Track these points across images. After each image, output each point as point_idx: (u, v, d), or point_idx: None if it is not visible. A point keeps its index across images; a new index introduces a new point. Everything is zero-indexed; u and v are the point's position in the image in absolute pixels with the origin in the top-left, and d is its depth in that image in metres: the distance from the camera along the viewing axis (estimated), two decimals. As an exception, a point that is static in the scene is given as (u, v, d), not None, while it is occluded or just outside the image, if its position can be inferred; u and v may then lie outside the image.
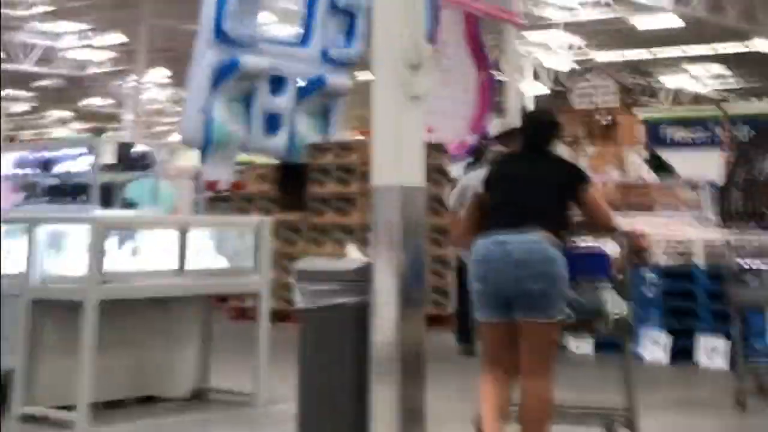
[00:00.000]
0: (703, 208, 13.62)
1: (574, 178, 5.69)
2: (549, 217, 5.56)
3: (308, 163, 13.42)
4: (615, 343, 6.44)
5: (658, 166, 19.73)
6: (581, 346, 10.22)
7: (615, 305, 5.91)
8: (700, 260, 10.00)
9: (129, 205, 12.43)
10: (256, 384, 7.64)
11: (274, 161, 14.50)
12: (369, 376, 6.00)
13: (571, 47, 30.48)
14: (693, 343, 9.69)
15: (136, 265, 7.34)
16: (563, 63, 30.53)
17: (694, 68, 33.64)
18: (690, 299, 9.94)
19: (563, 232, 5.58)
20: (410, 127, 6.29)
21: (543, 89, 30.87)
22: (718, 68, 33.54)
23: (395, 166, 6.21)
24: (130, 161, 13.55)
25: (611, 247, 6.55)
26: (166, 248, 7.46)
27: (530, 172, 5.72)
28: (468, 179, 9.68)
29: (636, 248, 10.34)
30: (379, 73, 6.42)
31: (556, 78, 31.78)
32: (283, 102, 14.10)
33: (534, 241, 5.43)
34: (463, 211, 6.62)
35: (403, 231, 6.10)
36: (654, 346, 9.83)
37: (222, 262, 7.94)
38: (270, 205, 13.82)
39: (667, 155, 22.10)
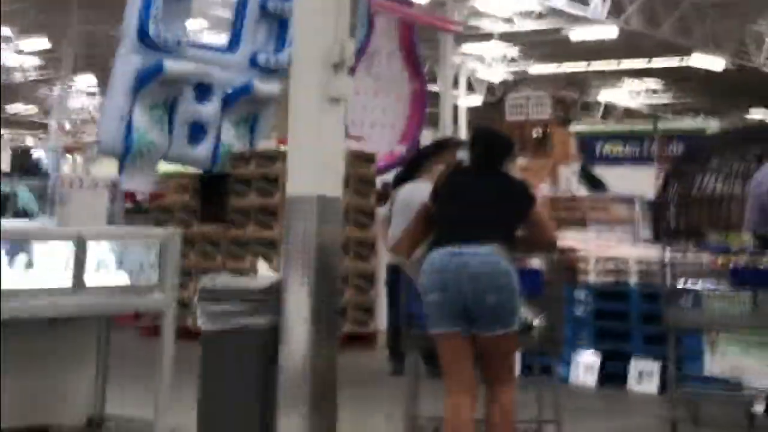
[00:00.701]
0: (636, 224, 13.35)
1: (524, 197, 5.82)
2: (501, 233, 5.63)
3: (229, 174, 12.89)
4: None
5: (590, 180, 19.50)
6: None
7: (530, 315, 6.02)
8: (633, 279, 9.56)
9: (23, 214, 11.83)
10: (157, 411, 7.07)
11: (196, 171, 13.95)
12: (276, 407, 5.50)
13: (506, 59, 30.24)
14: (625, 366, 9.27)
15: (27, 282, 6.76)
16: (497, 74, 30.27)
17: (629, 83, 33.57)
18: (623, 320, 9.50)
19: (512, 249, 5.66)
20: (329, 131, 5.86)
21: (477, 101, 30.55)
22: (652, 83, 33.51)
23: (312, 174, 5.77)
24: (27, 169, 13.01)
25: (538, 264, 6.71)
26: (61, 263, 6.88)
27: (483, 188, 5.79)
28: (410, 192, 9.13)
29: (568, 266, 9.96)
30: (297, 72, 5.97)
31: (491, 90, 31.54)
32: (209, 110, 13.69)
33: (488, 254, 5.49)
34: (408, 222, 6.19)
35: (317, 245, 5.64)
36: (584, 369, 9.42)
37: (123, 279, 7.37)
38: (190, 217, 13.23)
39: (600, 170, 21.94)
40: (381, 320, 11.90)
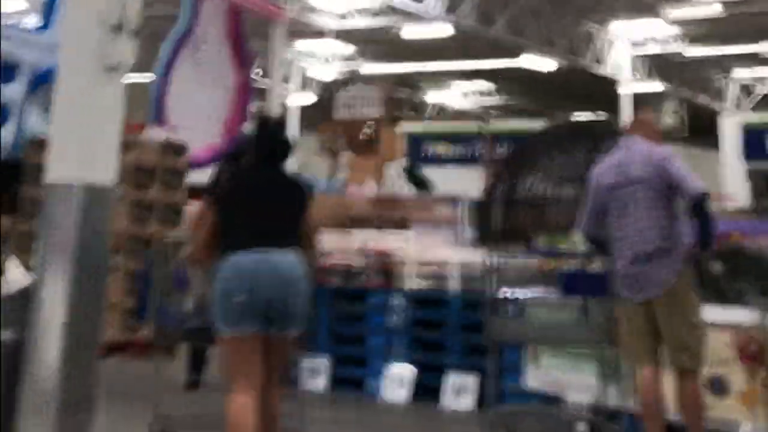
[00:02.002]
0: (460, 225, 12.88)
1: (306, 195, 5.86)
2: (295, 234, 5.73)
3: (22, 160, 11.81)
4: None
5: (416, 180, 19.14)
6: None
7: None
8: (454, 285, 8.89)
9: None
10: None
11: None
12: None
13: (340, 57, 29.73)
14: (440, 380, 8.50)
15: None
16: (330, 72, 29.71)
17: (460, 84, 33.42)
18: (440, 329, 8.76)
19: (305, 251, 5.76)
20: (104, 107, 5.02)
21: (310, 99, 29.93)
22: (483, 84, 33.43)
23: (77, 157, 4.93)
24: None
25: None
26: None
27: (273, 188, 5.77)
28: None
29: (383, 269, 9.34)
30: (66, 34, 5.12)
31: (324, 88, 30.95)
32: (13, 92, 12.87)
33: (293, 258, 5.61)
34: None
35: (80, 243, 4.82)
36: (396, 382, 8.72)
37: None
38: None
39: (428, 170, 21.60)
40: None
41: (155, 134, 12.18)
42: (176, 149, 12.23)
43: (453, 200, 13.61)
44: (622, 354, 6.06)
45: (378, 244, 9.65)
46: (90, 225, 4.83)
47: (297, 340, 5.77)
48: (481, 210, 11.60)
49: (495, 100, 35.05)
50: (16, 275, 5.09)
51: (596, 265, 6.65)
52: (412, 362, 8.76)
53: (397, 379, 8.69)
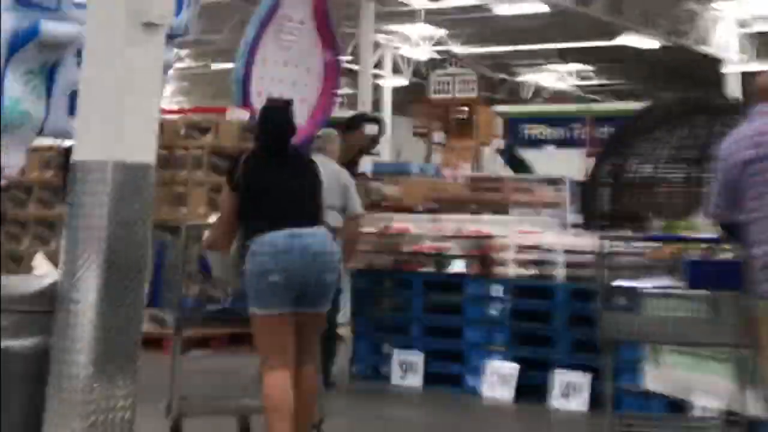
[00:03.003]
0: (563, 208, 12.05)
1: (317, 175, 5.95)
2: (318, 212, 5.86)
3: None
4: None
5: (514, 162, 18.42)
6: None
7: None
8: (560, 273, 7.94)
9: None
10: None
11: (63, 143, 12.29)
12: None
13: (432, 39, 29.05)
14: (547, 378, 7.62)
15: None
16: (422, 53, 28.97)
17: (557, 65, 32.53)
18: (545, 322, 7.84)
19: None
20: (141, 71, 4.24)
21: (403, 82, 29.26)
22: (581, 65, 32.54)
23: (111, 131, 4.15)
24: None
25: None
26: None
27: (292, 171, 5.85)
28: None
29: (480, 255, 8.46)
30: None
31: (417, 71, 30.27)
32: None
33: (324, 234, 5.74)
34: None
35: (114, 231, 4.06)
36: (497, 380, 7.84)
37: None
38: (53, 198, 11.52)
39: (525, 153, 20.85)
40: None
41: (235, 116, 11.46)
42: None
43: (555, 182, 12.83)
44: (763, 362, 5.07)
45: (475, 228, 8.77)
46: (128, 211, 4.06)
47: (326, 315, 5.91)
48: (586, 192, 10.66)
49: (592, 81, 34.13)
50: (45, 269, 4.35)
51: (728, 253, 5.69)
52: (514, 358, 7.86)
53: (499, 376, 7.81)
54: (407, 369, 8.38)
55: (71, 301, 3.94)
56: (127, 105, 4.18)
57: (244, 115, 11.83)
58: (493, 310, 8.08)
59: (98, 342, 3.86)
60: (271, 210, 5.71)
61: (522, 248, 8.20)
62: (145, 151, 4.21)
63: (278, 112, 6.07)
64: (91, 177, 4.11)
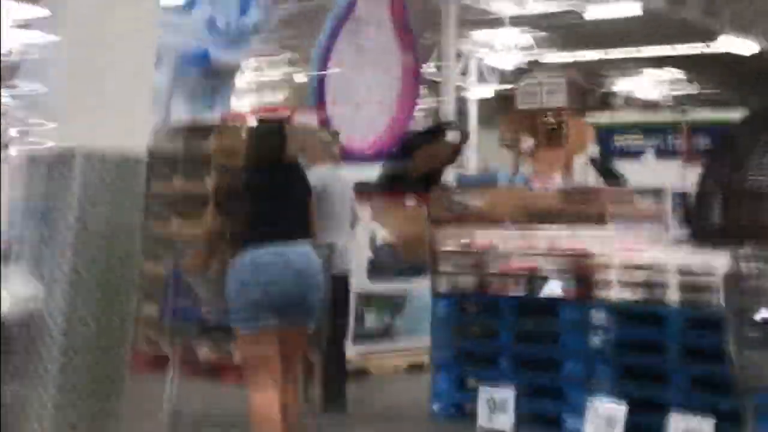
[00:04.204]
0: (665, 221, 10.96)
1: (306, 185, 6.02)
2: (305, 226, 5.88)
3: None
4: None
5: (607, 172, 17.49)
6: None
7: None
8: (674, 296, 6.80)
9: None
10: None
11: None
12: None
13: (518, 47, 28.18)
14: (661, 422, 6.43)
15: None
16: (507, 63, 28.03)
17: (649, 72, 31.50)
18: (658, 354, 6.70)
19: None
20: (130, 42, 3.34)
21: (489, 91, 28.39)
22: (675, 72, 31.50)
23: (96, 113, 3.23)
24: None
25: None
26: None
27: (278, 184, 5.86)
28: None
29: (580, 274, 7.34)
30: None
31: (503, 79, 29.40)
32: (156, 80, 11.53)
33: (308, 252, 5.74)
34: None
35: (85, 234, 3.14)
36: (603, 422, 6.66)
37: None
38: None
39: (619, 163, 19.90)
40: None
41: (303, 118, 10.59)
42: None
43: (655, 193, 11.78)
44: None
45: (571, 243, 7.66)
46: (113, 209, 3.15)
47: (313, 334, 5.99)
48: (695, 203, 9.58)
49: (688, 88, 33.05)
50: (21, 291, 3.39)
51: None
52: (622, 396, 6.71)
53: (604, 417, 6.66)
54: (496, 407, 7.28)
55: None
56: (113, 82, 3.24)
57: (310, 117, 11.01)
58: (596, 340, 6.95)
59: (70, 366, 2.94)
60: (256, 225, 5.73)
61: (627, 267, 7.08)
62: (132, 140, 3.28)
63: (270, 129, 6.22)
64: (65, 168, 3.17)
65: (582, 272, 7.30)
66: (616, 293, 7.04)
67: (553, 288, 7.51)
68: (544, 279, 7.56)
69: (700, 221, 9.63)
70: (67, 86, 3.50)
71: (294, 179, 5.96)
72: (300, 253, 5.66)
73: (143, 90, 3.67)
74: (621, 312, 6.91)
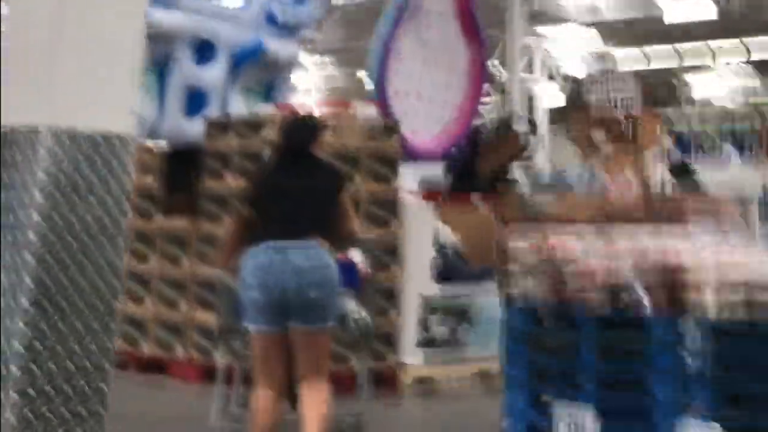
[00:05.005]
0: (753, 229, 10.22)
1: (340, 185, 6.10)
2: (323, 226, 5.91)
3: (201, 148, 9.80)
4: None
5: (684, 176, 16.76)
6: None
7: (355, 311, 6.76)
8: None
9: None
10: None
11: (163, 145, 11.04)
12: None
13: (589, 45, 27.58)
14: None
15: None
16: (578, 62, 27.38)
17: (726, 74, 30.57)
18: (763, 376, 5.88)
19: (336, 240, 5.95)
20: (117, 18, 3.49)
21: (558, 90, 27.79)
22: (751, 73, 30.62)
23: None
24: None
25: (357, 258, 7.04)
26: None
27: (301, 179, 5.90)
28: None
29: (669, 286, 6.52)
30: None
31: (574, 78, 28.77)
32: (211, 74, 12.02)
33: (312, 247, 5.77)
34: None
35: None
36: (695, 450, 5.88)
37: None
38: (151, 207, 10.03)
39: (695, 164, 19.28)
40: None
41: (361, 112, 10.09)
42: (386, 130, 9.90)
43: (741, 198, 11.04)
44: None
45: (659, 251, 6.84)
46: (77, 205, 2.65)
47: (328, 333, 5.85)
48: None
49: (764, 92, 32.17)
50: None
51: None
52: (720, 421, 5.91)
53: (697, 444, 5.89)
54: (575, 429, 6.50)
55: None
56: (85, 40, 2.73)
57: (368, 110, 10.47)
58: (690, 358, 6.13)
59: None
60: (265, 223, 5.83)
61: (726, 280, 6.26)
62: (120, 119, 2.76)
63: (302, 125, 6.22)
64: (31, 146, 2.71)
65: (672, 284, 6.49)
66: (712, 308, 6.22)
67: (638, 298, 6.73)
68: (630, 290, 6.78)
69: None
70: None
71: (319, 175, 5.97)
72: (302, 249, 5.65)
73: (124, 69, 3.15)
74: (718, 329, 6.10)
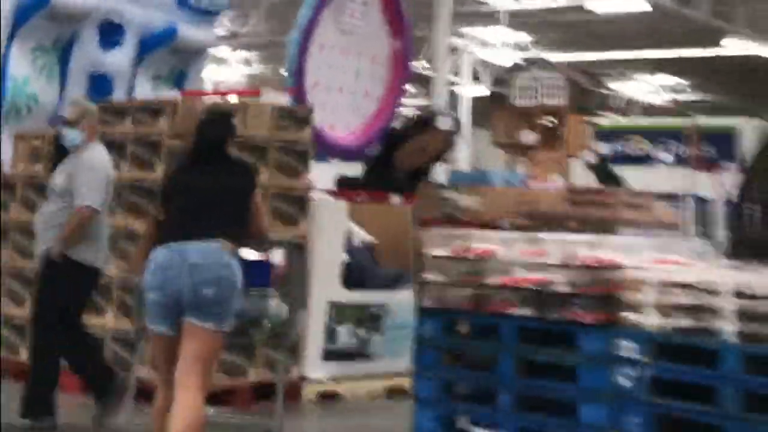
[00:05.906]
0: (685, 229, 9.68)
1: (253, 183, 6.02)
2: (231, 225, 5.79)
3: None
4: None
5: (607, 177, 16.66)
6: None
7: (276, 310, 6.55)
8: (729, 327, 5.27)
9: None
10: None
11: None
12: None
13: (514, 45, 27.46)
14: None
15: None
16: (502, 60, 27.20)
17: (652, 75, 30.95)
18: (708, 402, 5.13)
19: (244, 240, 5.92)
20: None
21: (482, 89, 27.65)
22: (677, 78, 31.02)
23: None
24: None
25: (277, 256, 6.79)
26: None
27: (213, 178, 5.84)
28: None
29: (602, 293, 5.82)
30: None
31: (498, 76, 28.52)
32: (117, 58, 11.73)
33: (210, 247, 5.63)
34: None
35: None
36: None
37: None
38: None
39: (619, 169, 19.22)
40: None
41: (272, 99, 9.55)
42: (298, 120, 9.26)
43: (672, 199, 10.55)
44: None
45: (592, 252, 6.14)
46: None
47: (219, 337, 5.67)
48: (736, 213, 8.46)
49: (691, 93, 32.72)
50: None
51: None
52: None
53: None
54: (490, 456, 5.80)
55: None
56: None
57: (279, 97, 9.93)
58: (624, 378, 5.43)
59: None
60: (169, 224, 5.75)
61: (667, 285, 5.58)
62: None
63: (217, 120, 6.13)
64: None
65: (606, 291, 5.81)
66: (651, 319, 5.53)
67: (568, 308, 6.04)
68: (557, 295, 6.08)
69: (742, 234, 8.38)
70: None
71: (232, 174, 5.88)
72: (201, 248, 5.55)
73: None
74: (658, 343, 5.41)
